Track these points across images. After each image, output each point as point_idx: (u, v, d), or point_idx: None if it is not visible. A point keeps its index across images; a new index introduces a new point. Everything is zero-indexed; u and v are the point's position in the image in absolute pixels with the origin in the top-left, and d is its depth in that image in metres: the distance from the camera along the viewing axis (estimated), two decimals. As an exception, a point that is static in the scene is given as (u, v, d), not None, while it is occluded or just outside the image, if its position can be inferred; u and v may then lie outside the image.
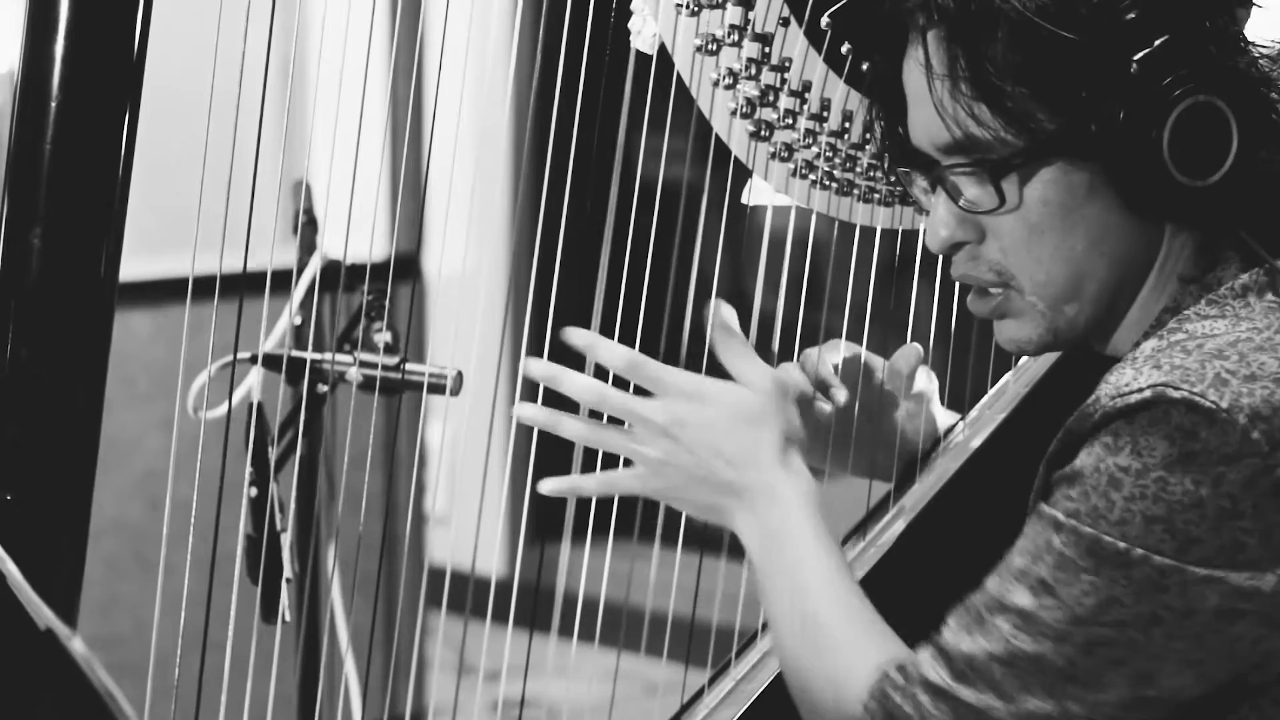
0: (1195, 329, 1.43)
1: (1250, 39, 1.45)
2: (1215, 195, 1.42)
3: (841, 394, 1.75)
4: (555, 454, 1.74)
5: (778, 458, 1.52)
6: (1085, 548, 1.36)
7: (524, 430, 1.61)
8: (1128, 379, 1.38)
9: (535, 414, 1.56)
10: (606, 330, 1.68)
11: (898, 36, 1.51)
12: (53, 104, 1.49)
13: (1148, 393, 1.36)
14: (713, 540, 1.76)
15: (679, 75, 1.64)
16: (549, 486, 1.59)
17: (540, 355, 1.60)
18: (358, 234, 1.85)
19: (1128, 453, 1.35)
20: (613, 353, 1.55)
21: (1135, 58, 1.39)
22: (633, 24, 1.63)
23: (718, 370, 1.59)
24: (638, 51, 1.63)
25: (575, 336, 1.56)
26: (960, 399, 1.85)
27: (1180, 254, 1.48)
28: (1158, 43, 1.39)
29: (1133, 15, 1.39)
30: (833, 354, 1.76)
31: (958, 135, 1.46)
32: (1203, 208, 1.43)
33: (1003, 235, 1.48)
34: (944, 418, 1.82)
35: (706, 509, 1.55)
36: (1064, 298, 1.48)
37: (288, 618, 1.97)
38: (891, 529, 1.73)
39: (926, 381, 1.81)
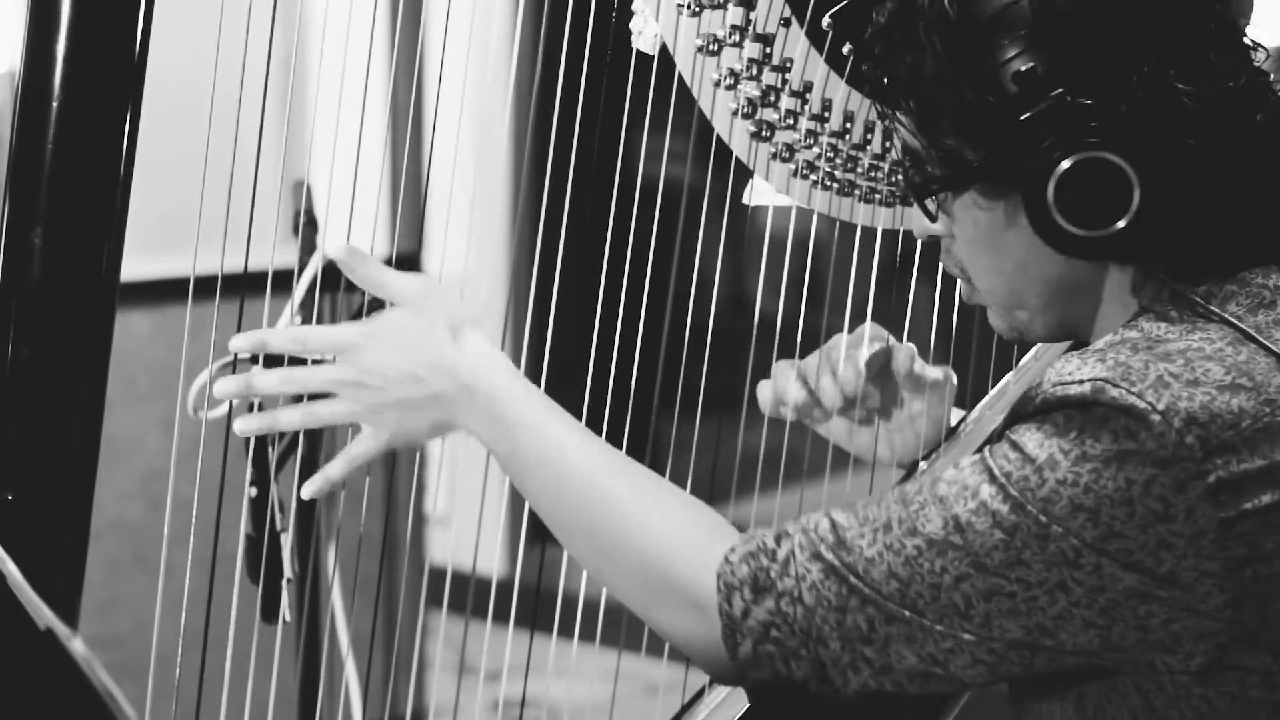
0: (1150, 329, 1.44)
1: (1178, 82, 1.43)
2: (1129, 237, 1.42)
3: (861, 361, 1.77)
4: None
5: (457, 352, 1.54)
6: (1009, 508, 1.37)
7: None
8: (1072, 368, 1.39)
9: (251, 422, 1.60)
10: (607, 328, 1.68)
11: None
12: (54, 104, 1.49)
13: (1087, 386, 1.37)
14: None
15: (680, 76, 1.64)
16: (243, 426, 1.62)
17: (540, 354, 1.60)
18: (358, 234, 1.85)
19: (1072, 438, 1.36)
20: (278, 337, 1.59)
21: (1021, 117, 1.40)
22: (634, 24, 1.63)
23: (722, 378, 1.59)
24: (639, 52, 1.64)
25: (240, 341, 1.59)
26: (961, 398, 1.85)
27: (1128, 275, 1.48)
28: (1052, 95, 1.39)
29: (1026, 69, 1.40)
30: (858, 348, 1.77)
31: (909, 148, 1.49)
32: (1112, 250, 1.44)
33: (956, 242, 1.52)
34: (954, 417, 1.83)
35: (435, 429, 1.57)
36: (1010, 305, 1.52)
37: (288, 618, 1.97)
38: None
39: (942, 377, 1.81)
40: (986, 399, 1.83)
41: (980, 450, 1.43)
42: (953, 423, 1.83)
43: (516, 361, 1.59)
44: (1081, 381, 1.37)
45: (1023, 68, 1.40)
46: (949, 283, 1.64)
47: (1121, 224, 1.41)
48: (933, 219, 1.51)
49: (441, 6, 1.75)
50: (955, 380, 1.83)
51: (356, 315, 2.29)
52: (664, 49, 1.64)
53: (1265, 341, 1.40)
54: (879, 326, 1.78)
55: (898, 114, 1.48)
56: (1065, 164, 1.40)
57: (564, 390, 1.80)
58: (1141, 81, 1.40)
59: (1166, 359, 1.38)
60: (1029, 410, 1.40)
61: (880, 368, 1.78)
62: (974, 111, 1.42)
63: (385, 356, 1.55)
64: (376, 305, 2.30)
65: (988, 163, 1.43)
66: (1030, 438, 1.38)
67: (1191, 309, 1.44)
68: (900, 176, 1.71)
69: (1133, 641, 1.38)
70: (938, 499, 1.40)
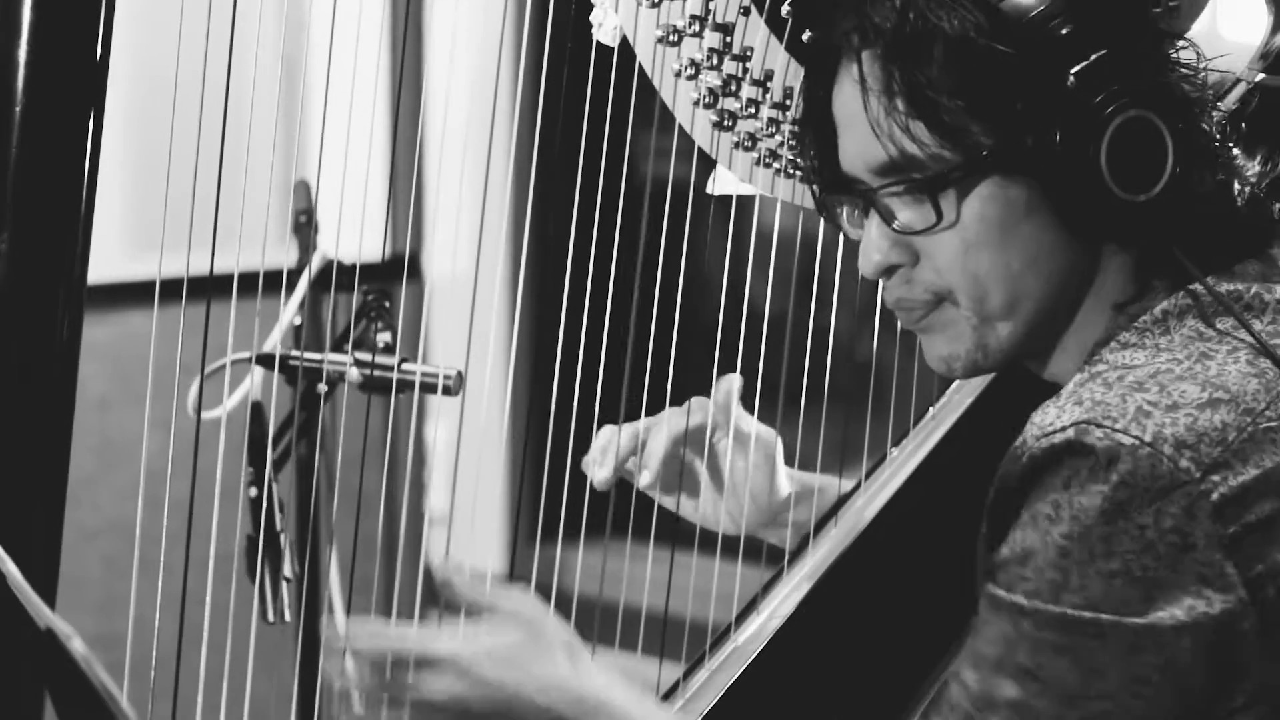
0: (1115, 359, 1.42)
1: (1175, 60, 1.43)
2: (1151, 212, 1.41)
3: (647, 476, 1.76)
4: (554, 455, 1.75)
5: (575, 673, 1.53)
6: (1055, 626, 1.35)
7: (523, 431, 1.61)
8: (1051, 418, 1.37)
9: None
10: (572, 321, 1.67)
11: (829, 63, 1.50)
12: (17, 108, 1.48)
13: (1070, 431, 1.35)
14: (685, 536, 1.77)
15: (641, 67, 1.64)
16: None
17: (535, 355, 1.60)
18: (358, 234, 1.86)
19: (1067, 520, 1.34)
20: (392, 641, 1.53)
21: (1071, 72, 1.38)
22: (594, 16, 1.63)
23: (690, 367, 1.59)
24: (598, 44, 1.63)
25: (366, 642, 1.52)
26: (929, 387, 1.84)
27: (1115, 278, 1.47)
28: (1094, 57, 1.38)
29: (1067, 31, 1.38)
30: (677, 419, 1.76)
31: (893, 154, 1.44)
32: (1138, 225, 1.42)
33: (938, 254, 1.46)
34: (786, 481, 1.81)
35: None
36: (999, 315, 1.47)
37: (287, 617, 1.97)
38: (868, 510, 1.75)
39: (770, 436, 1.80)
40: (954, 384, 1.82)
41: (985, 584, 1.40)
42: (783, 490, 1.81)
43: (517, 361, 1.59)
44: (1064, 428, 1.35)
45: (1065, 30, 1.39)
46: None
47: (1160, 185, 1.40)
48: (940, 216, 1.44)
49: (441, 7, 1.75)
50: (781, 443, 1.80)
51: (358, 315, 2.30)
52: (624, 41, 1.63)
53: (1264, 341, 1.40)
54: (705, 402, 1.77)
55: (894, 121, 1.44)
56: (1116, 122, 1.38)
57: (563, 388, 1.81)
58: (1151, 47, 1.41)
59: (1140, 389, 1.36)
60: (1018, 471, 1.37)
61: (697, 442, 1.77)
62: (1009, 80, 1.39)
63: (505, 674, 1.51)
64: (378, 305, 2.31)
65: (1011, 142, 1.40)
66: (1032, 541, 1.36)
67: (1183, 312, 1.43)
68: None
69: (1223, 700, 1.36)
70: (995, 664, 1.38)
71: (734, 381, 1.76)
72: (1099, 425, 1.34)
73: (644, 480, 1.76)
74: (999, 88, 1.40)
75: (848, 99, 1.47)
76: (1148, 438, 1.33)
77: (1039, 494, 1.36)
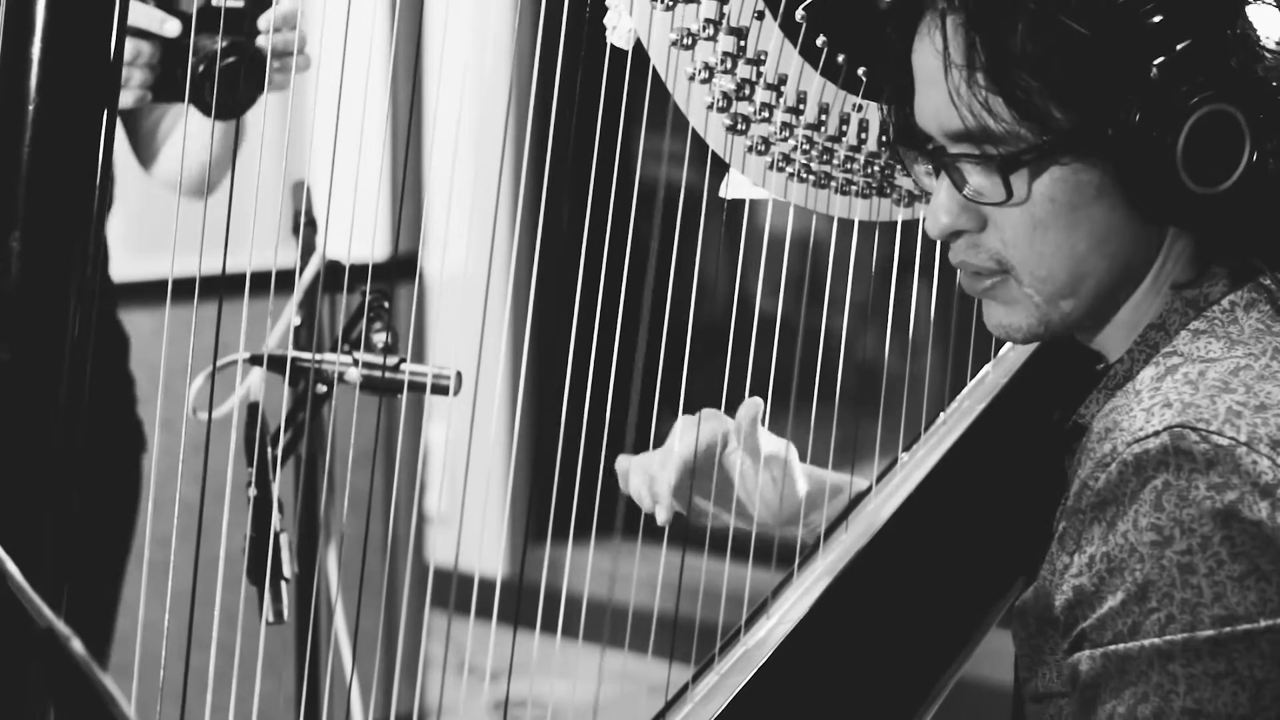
0: (1190, 350, 1.42)
1: (1260, 44, 1.42)
2: (1222, 203, 1.41)
3: (663, 513, 1.76)
4: (554, 454, 1.75)
5: None
6: (1206, 652, 1.32)
7: (524, 430, 1.60)
8: (1139, 422, 1.36)
9: None
10: (586, 319, 1.67)
11: (911, 14, 1.48)
12: (30, 106, 1.48)
13: (1165, 436, 1.34)
14: (695, 537, 1.77)
15: (655, 70, 1.63)
16: None
17: (536, 355, 1.59)
18: (358, 234, 1.85)
19: (1180, 536, 1.32)
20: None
21: (1156, 61, 1.38)
22: (608, 19, 1.62)
23: (699, 369, 1.59)
24: (613, 46, 1.63)
25: None
26: (940, 390, 1.85)
27: (1176, 261, 1.47)
28: (1179, 47, 1.38)
29: (1157, 18, 1.38)
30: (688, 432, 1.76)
31: (970, 124, 1.43)
32: (1208, 214, 1.42)
33: (1006, 227, 1.46)
34: (803, 481, 1.81)
35: None
36: (1061, 294, 1.47)
37: (288, 618, 1.97)
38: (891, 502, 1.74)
39: (781, 449, 1.79)
40: (966, 389, 1.82)
41: (1086, 650, 1.37)
42: (801, 491, 1.81)
43: (517, 361, 1.59)
44: (1157, 433, 1.34)
45: (1154, 17, 1.38)
46: (928, 273, 1.63)
47: (1234, 178, 1.39)
48: (1010, 193, 1.43)
49: (441, 6, 1.75)
50: (796, 452, 1.80)
51: (356, 316, 2.30)
52: (639, 44, 1.63)
53: None
54: (717, 416, 1.77)
55: (974, 93, 1.42)
56: (1197, 115, 1.37)
57: (558, 386, 1.80)
58: (1239, 36, 1.40)
59: (1226, 389, 1.36)
60: (1105, 480, 1.36)
61: (710, 460, 1.77)
62: (1093, 64, 1.38)
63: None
64: (377, 305, 2.31)
65: (1089, 126, 1.40)
66: (1148, 570, 1.33)
67: (1231, 307, 1.44)
68: (901, 165, 1.61)
69: None
70: (1154, 717, 1.33)
71: (758, 405, 1.75)
72: (1193, 429, 1.34)
73: (660, 518, 1.75)
74: (1082, 71, 1.39)
75: (928, 59, 1.46)
76: (1243, 438, 1.33)
77: (1134, 506, 1.34)
